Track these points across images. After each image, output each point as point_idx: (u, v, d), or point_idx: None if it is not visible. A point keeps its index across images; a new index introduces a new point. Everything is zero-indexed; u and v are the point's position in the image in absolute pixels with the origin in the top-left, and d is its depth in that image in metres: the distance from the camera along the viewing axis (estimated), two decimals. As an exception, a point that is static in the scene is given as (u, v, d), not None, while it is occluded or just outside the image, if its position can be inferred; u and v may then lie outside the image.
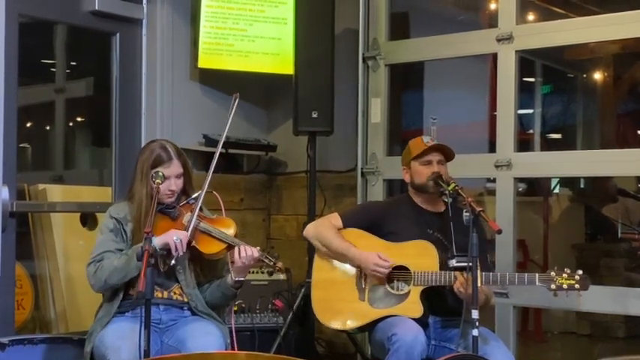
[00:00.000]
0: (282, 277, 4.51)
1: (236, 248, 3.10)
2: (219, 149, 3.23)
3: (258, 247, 3.14)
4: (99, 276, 3.07)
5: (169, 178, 3.17)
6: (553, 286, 3.07)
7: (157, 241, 2.98)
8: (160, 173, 3.11)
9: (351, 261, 3.41)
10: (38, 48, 4.98)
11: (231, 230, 3.16)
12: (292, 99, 4.56)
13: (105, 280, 3.06)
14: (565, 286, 3.07)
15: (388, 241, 3.41)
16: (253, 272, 4.47)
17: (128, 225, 3.19)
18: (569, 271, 3.08)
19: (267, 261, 3.13)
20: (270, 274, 3.26)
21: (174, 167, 3.20)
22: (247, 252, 3.09)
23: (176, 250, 3.00)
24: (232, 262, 3.14)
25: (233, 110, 3.23)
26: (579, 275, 3.07)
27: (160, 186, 3.11)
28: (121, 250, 3.14)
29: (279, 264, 3.16)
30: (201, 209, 3.20)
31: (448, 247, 3.24)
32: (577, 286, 3.06)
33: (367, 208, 3.74)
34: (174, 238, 3.00)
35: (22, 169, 4.70)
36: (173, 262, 3.04)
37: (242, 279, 3.15)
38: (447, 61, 4.78)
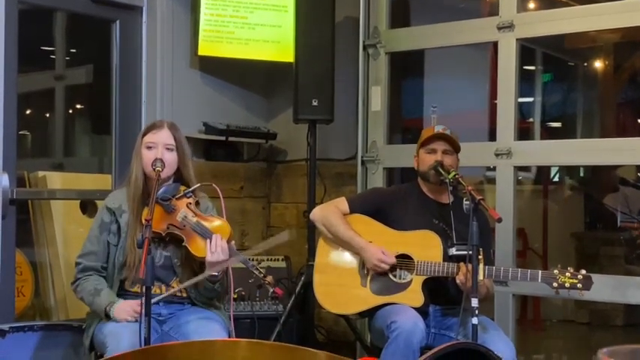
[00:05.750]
0: (281, 264, 4.54)
1: (207, 241, 3.01)
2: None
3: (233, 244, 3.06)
4: (78, 291, 3.15)
5: (156, 146, 3.12)
6: (555, 285, 3.05)
7: (115, 313, 3.00)
8: (160, 162, 3.08)
9: (354, 250, 3.41)
10: (38, 35, 4.97)
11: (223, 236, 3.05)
12: (292, 87, 4.55)
13: (80, 298, 3.16)
14: (567, 285, 3.05)
15: (393, 228, 3.40)
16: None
17: (122, 217, 3.16)
18: (572, 270, 3.06)
19: (256, 272, 3.06)
20: (259, 286, 3.14)
21: (163, 134, 3.15)
22: (218, 247, 2.98)
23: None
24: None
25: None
26: (582, 275, 3.05)
27: (148, 153, 3.11)
28: (106, 245, 3.15)
29: (269, 278, 3.06)
30: (198, 203, 3.16)
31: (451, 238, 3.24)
32: (579, 285, 3.04)
33: (375, 195, 3.71)
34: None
35: (22, 156, 4.69)
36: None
37: (215, 274, 3.03)
38: (448, 50, 4.76)
